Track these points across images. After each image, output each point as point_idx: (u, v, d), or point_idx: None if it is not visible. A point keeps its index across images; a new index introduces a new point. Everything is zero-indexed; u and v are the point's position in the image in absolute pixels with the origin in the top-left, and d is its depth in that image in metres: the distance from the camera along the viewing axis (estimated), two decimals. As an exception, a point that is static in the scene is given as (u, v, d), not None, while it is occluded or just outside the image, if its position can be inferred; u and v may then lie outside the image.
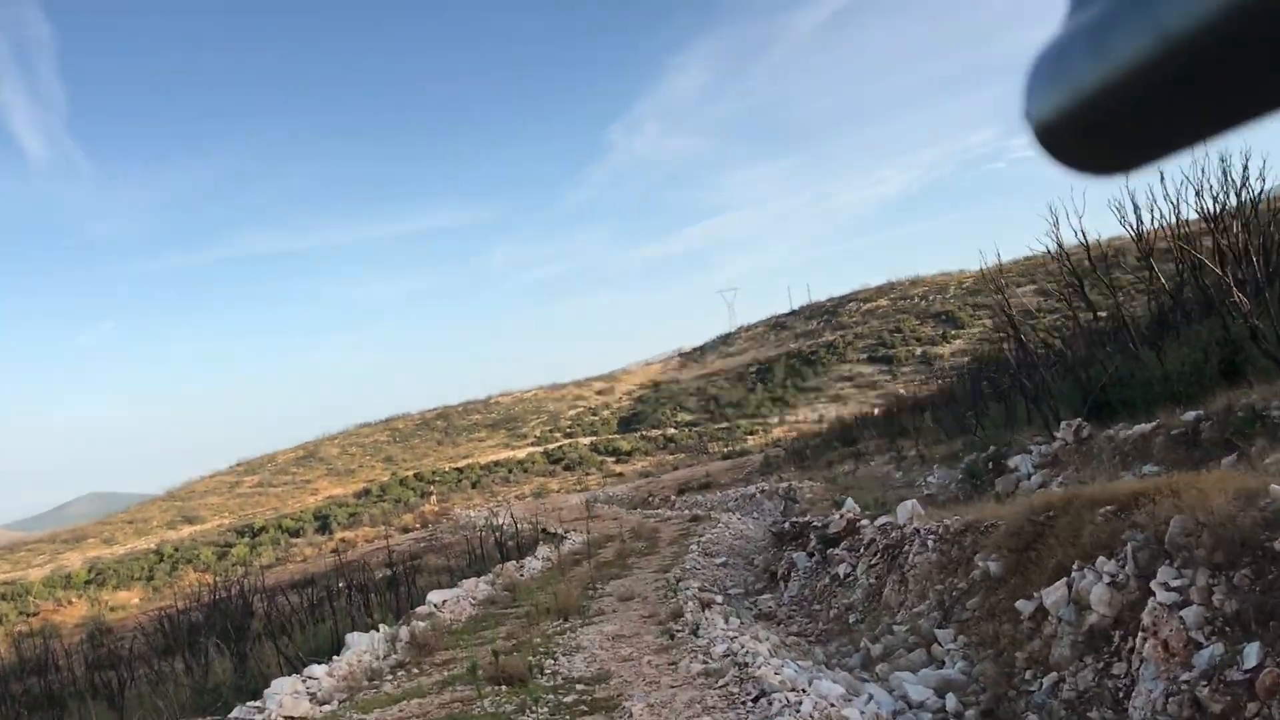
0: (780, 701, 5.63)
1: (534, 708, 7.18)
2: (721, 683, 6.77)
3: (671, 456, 63.01)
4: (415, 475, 68.30)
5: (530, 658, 9.30)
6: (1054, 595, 6.28)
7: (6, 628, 31.40)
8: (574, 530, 26.13)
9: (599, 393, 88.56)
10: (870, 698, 6.01)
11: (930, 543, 8.95)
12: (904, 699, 6.42)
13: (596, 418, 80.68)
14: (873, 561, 10.31)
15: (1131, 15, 0.43)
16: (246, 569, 30.43)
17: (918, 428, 26.77)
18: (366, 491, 66.59)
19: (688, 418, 73.56)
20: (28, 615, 39.17)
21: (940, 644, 7.24)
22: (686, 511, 31.91)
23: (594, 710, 6.89)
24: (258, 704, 8.85)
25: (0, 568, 60.77)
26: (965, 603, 7.52)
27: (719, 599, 12.29)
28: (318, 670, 10.09)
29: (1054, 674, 5.95)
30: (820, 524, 13.70)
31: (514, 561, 20.04)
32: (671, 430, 71.35)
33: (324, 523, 58.16)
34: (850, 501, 13.35)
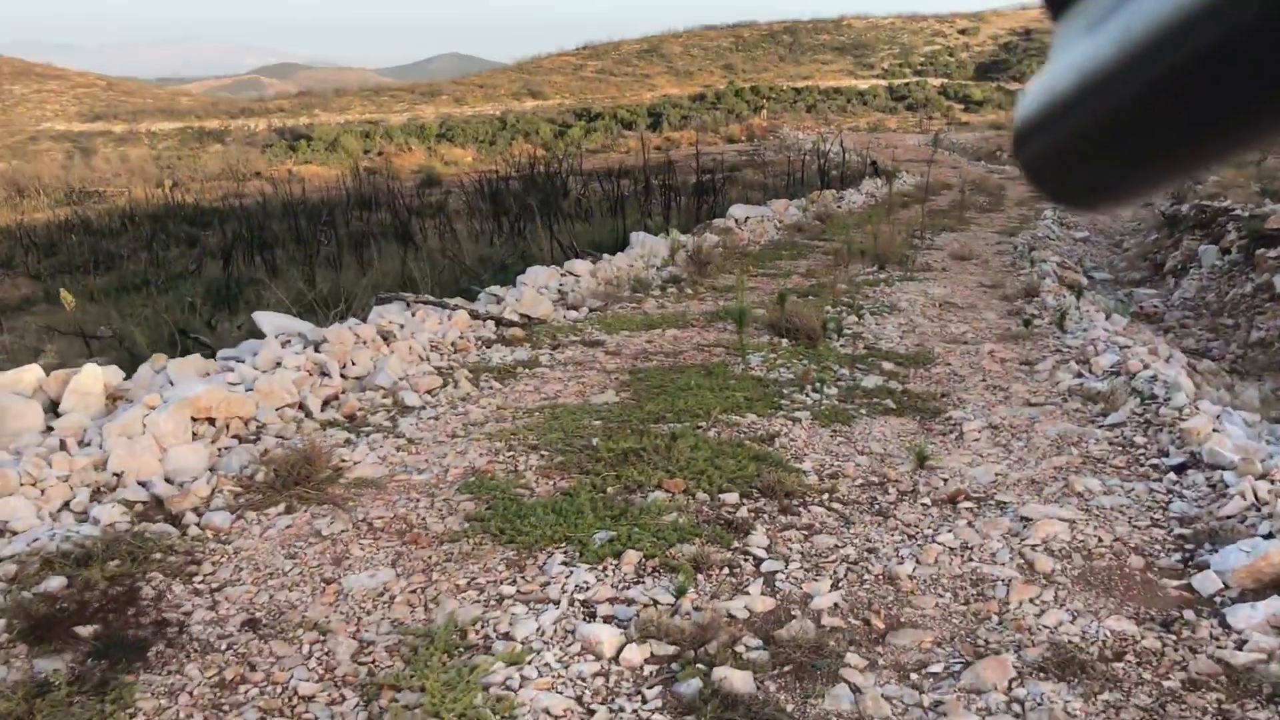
0: (1242, 498, 3.20)
1: (815, 388, 5.09)
2: (1111, 419, 4.34)
3: (1031, 113, 55.96)
4: (752, 88, 65.38)
5: (829, 308, 7.23)
6: None
7: (354, 160, 33.66)
8: (906, 170, 23.06)
9: (961, 31, 78.96)
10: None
11: None
12: None
13: (953, 59, 72.54)
14: (1344, 282, 7.09)
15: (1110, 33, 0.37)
16: (569, 149, 30.21)
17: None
18: (701, 96, 64.86)
19: (1059, 73, 64.38)
20: (375, 154, 42.23)
21: None
22: (1042, 174, 27.63)
23: (903, 411, 4.69)
24: (498, 292, 7.50)
25: (365, 108, 65.97)
26: None
27: (1085, 282, 9.52)
28: (580, 267, 8.58)
29: None
30: (1246, 213, 10.15)
31: (833, 191, 17.70)
32: (1036, 84, 62.97)
33: (656, 120, 57.51)
34: (1311, 192, 9.65)
